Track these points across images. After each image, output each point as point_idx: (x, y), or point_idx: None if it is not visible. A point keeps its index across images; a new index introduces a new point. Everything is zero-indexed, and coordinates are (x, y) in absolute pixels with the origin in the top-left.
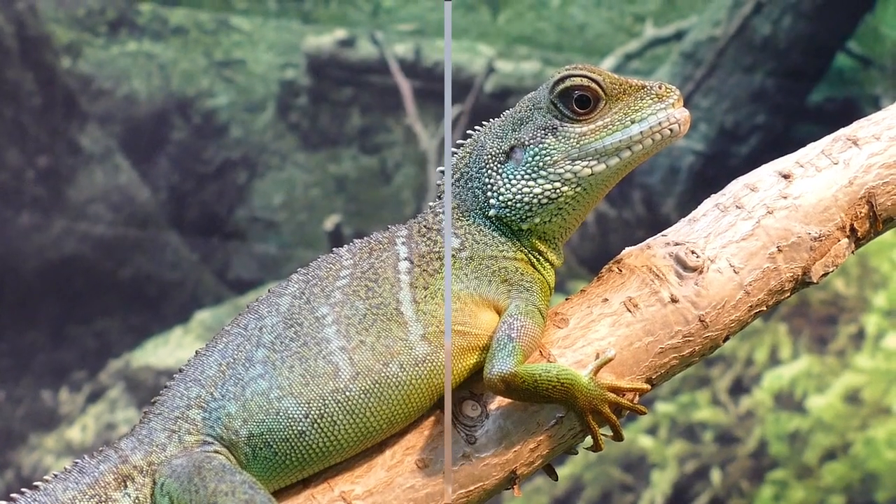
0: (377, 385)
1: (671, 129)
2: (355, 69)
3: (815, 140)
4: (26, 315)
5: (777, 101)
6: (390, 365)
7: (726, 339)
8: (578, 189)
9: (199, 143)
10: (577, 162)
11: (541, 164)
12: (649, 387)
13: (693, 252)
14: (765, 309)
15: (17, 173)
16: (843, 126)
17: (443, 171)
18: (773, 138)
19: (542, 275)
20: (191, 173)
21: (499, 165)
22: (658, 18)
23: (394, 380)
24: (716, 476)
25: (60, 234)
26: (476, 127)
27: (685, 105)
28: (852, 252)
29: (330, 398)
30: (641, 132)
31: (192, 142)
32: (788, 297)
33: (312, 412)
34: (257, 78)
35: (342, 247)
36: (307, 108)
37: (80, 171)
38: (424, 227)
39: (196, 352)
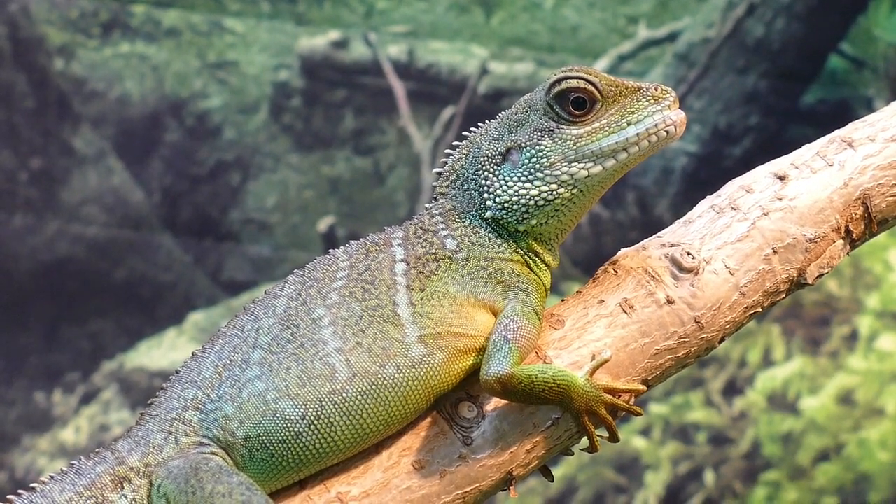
0: (374, 387)
1: (667, 131)
2: (349, 71)
3: (808, 142)
4: (19, 316)
5: (770, 102)
6: (387, 367)
7: (722, 340)
8: (575, 191)
9: (192, 144)
10: (573, 164)
11: (537, 165)
12: (645, 388)
13: (689, 253)
14: (760, 310)
15: (10, 175)
16: (837, 128)
17: (438, 173)
18: (766, 140)
19: (538, 276)
20: (184, 175)
21: (495, 167)
22: (651, 20)
23: (390, 381)
24: (709, 477)
25: (54, 235)
26: (472, 128)
27: (679, 107)
28: (847, 254)
29: (326, 400)
30: (638, 134)
31: (185, 143)
32: (783, 298)
33: (309, 414)
34: (250, 79)
35: (338, 248)
36: (300, 109)
37: (73, 172)
38: (421, 228)
39: (192, 353)
